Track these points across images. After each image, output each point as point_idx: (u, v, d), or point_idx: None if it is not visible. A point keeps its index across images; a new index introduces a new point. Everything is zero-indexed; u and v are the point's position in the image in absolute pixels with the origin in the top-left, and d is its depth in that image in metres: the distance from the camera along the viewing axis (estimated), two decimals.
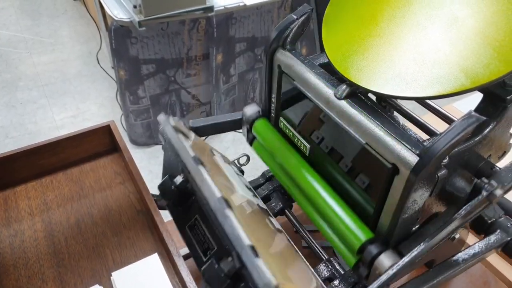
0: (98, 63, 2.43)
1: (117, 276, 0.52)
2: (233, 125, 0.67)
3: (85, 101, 2.20)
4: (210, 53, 1.76)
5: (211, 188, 0.45)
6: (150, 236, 0.59)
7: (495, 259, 0.73)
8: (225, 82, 1.90)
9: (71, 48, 2.58)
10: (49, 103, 2.18)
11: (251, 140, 0.66)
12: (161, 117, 0.53)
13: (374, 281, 0.46)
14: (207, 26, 1.67)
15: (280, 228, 0.58)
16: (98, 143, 0.70)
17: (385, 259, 0.47)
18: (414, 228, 0.49)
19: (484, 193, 0.47)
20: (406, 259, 0.46)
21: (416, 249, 0.47)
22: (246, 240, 0.40)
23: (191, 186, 0.54)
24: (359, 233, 0.49)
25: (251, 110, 0.65)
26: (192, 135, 0.59)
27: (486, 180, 0.47)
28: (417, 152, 0.42)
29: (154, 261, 0.54)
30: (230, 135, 2.01)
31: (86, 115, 2.12)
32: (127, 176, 0.68)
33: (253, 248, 0.39)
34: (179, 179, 0.54)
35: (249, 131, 0.65)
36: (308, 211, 0.57)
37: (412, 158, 0.42)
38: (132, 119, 1.86)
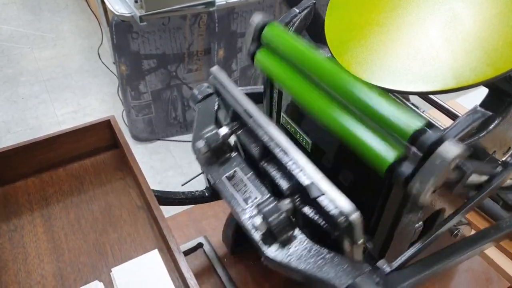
0: (100, 58, 2.42)
1: (117, 272, 0.52)
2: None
3: (86, 96, 2.20)
4: (211, 48, 1.75)
5: (277, 129, 0.48)
6: (150, 232, 0.58)
7: (498, 256, 0.72)
8: None
9: (73, 43, 2.57)
10: (51, 98, 2.18)
11: (252, 53, 0.57)
12: (216, 68, 0.57)
13: (426, 180, 0.37)
14: (209, 21, 1.66)
15: None
16: (98, 139, 0.69)
17: (452, 146, 0.36)
18: (416, 227, 0.48)
19: None
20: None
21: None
22: (323, 174, 0.43)
23: (239, 139, 0.56)
24: (413, 119, 0.39)
25: (260, 17, 0.55)
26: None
27: None
28: None
29: (154, 257, 0.53)
30: None
31: (87, 110, 2.12)
32: (128, 172, 0.67)
33: (327, 179, 0.42)
34: (225, 130, 0.54)
35: (254, 40, 0.56)
36: (331, 117, 0.47)
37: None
38: (133, 115, 1.85)
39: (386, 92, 0.44)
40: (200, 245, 0.81)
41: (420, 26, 0.47)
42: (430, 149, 0.37)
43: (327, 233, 0.44)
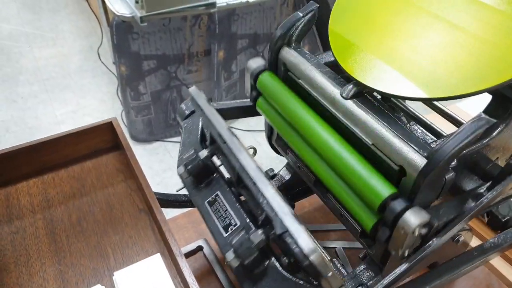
0: (99, 58, 2.42)
1: (119, 276, 0.51)
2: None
3: (86, 96, 2.20)
4: (211, 50, 1.75)
5: (248, 157, 0.46)
6: (152, 235, 0.58)
7: (499, 262, 0.72)
8: (227, 79, 1.90)
9: (72, 42, 2.57)
10: (50, 98, 2.17)
11: (254, 98, 0.59)
12: (194, 89, 0.54)
13: (397, 245, 0.42)
14: (209, 22, 1.66)
15: None
16: (100, 140, 0.69)
17: (412, 216, 0.39)
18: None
19: None
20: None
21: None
22: (289, 208, 0.41)
23: (213, 163, 0.54)
24: (380, 188, 0.42)
25: (256, 63, 0.57)
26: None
27: None
28: (425, 154, 0.41)
29: (156, 261, 0.53)
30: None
31: (87, 110, 2.12)
32: (129, 174, 0.67)
33: (295, 215, 0.41)
34: (204, 153, 0.54)
35: (253, 87, 0.58)
36: (320, 171, 0.51)
37: (420, 160, 0.41)
38: (132, 115, 1.85)
39: (363, 158, 0.46)
40: (200, 248, 0.81)
41: (424, 33, 0.47)
42: (395, 219, 0.41)
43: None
